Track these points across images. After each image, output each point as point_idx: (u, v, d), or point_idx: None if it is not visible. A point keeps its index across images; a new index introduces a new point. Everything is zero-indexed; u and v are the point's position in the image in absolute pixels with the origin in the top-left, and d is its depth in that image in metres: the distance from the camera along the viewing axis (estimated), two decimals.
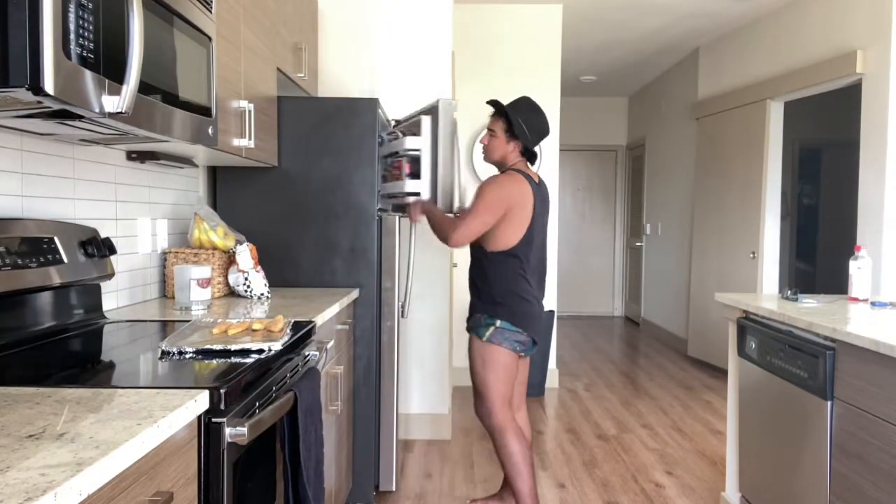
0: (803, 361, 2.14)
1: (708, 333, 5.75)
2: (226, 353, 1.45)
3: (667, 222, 6.92)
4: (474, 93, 4.98)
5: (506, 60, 4.96)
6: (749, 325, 2.55)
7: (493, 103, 2.59)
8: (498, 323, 2.53)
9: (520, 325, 2.54)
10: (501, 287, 2.53)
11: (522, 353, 2.60)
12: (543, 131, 2.60)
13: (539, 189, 2.60)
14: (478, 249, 2.61)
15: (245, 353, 1.46)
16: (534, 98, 4.97)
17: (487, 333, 2.54)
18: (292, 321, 1.90)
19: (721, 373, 5.54)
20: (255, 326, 1.65)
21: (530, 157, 2.65)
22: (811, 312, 2.25)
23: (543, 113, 2.59)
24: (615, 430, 4.03)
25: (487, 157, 2.66)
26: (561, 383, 5.17)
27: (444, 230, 2.52)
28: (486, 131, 2.65)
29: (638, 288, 7.90)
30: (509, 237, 2.52)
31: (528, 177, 2.56)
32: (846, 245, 6.58)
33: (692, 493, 3.11)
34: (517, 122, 2.55)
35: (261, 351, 1.47)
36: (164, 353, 1.44)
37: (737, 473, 2.74)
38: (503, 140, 2.60)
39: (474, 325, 2.60)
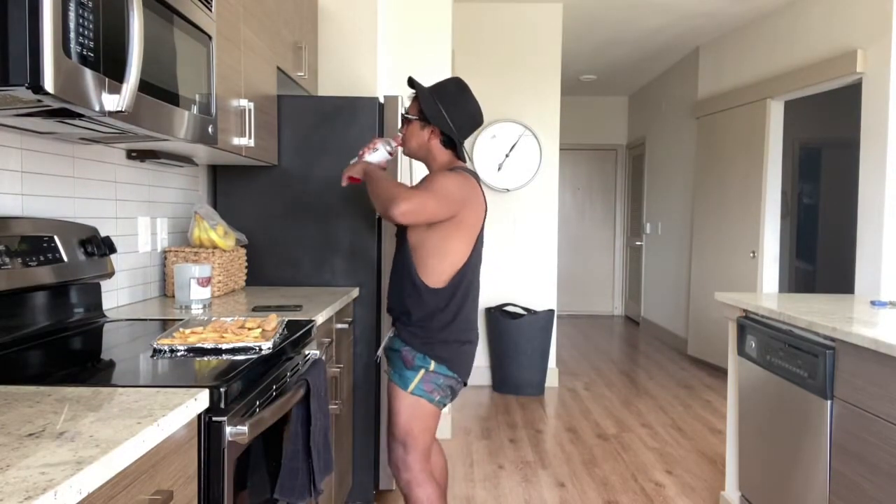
0: (803, 361, 2.14)
1: (708, 333, 5.75)
2: (217, 352, 1.45)
3: (667, 221, 6.92)
4: (474, 92, 4.98)
5: (506, 59, 4.96)
6: (749, 324, 2.55)
7: (409, 81, 2.12)
8: (431, 366, 2.07)
9: (457, 370, 2.11)
10: (443, 322, 2.06)
11: (449, 401, 2.17)
12: (472, 119, 2.11)
13: (482, 192, 2.17)
14: (408, 267, 2.09)
15: (236, 351, 1.46)
16: (533, 98, 4.97)
17: (415, 382, 2.08)
18: (285, 320, 1.90)
19: (721, 372, 5.54)
20: (249, 325, 1.65)
21: (460, 153, 2.17)
22: (811, 312, 2.25)
23: (474, 99, 2.13)
24: (615, 430, 4.03)
25: (405, 150, 2.20)
26: (561, 382, 5.17)
27: (390, 194, 1.94)
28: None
29: (638, 287, 7.90)
30: (456, 254, 2.05)
31: (475, 176, 2.14)
32: (846, 244, 6.58)
33: (692, 493, 3.11)
34: (432, 102, 2.06)
35: (252, 349, 1.47)
36: (157, 351, 1.44)
37: (736, 472, 2.74)
38: (416, 126, 2.12)
39: (398, 367, 2.11)
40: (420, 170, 3.85)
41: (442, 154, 2.14)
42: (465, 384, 2.19)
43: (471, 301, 2.12)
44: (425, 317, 2.06)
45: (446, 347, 2.08)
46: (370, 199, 2.03)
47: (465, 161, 2.16)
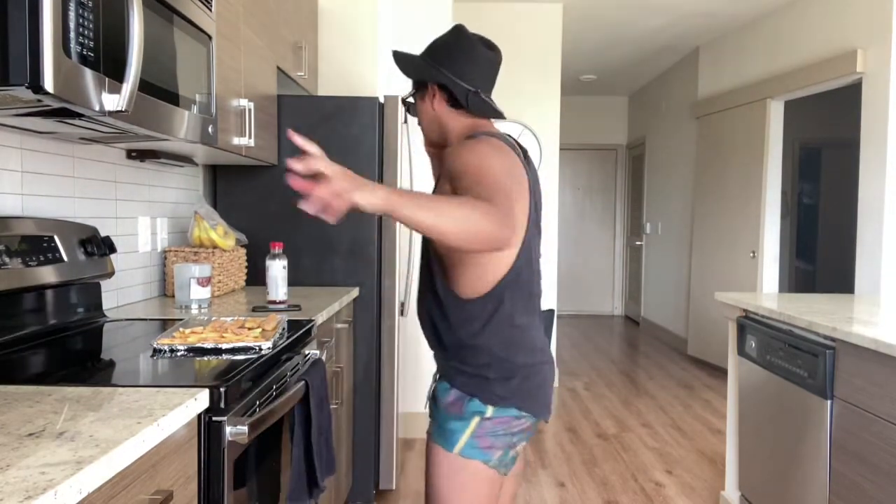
0: (803, 360, 2.14)
1: (708, 332, 5.75)
2: (217, 351, 1.45)
3: (667, 221, 6.92)
4: None
5: (506, 59, 4.96)
6: (749, 324, 2.55)
7: (393, 54, 1.58)
8: (489, 412, 1.44)
9: (528, 407, 1.46)
10: (495, 347, 1.44)
11: (514, 457, 1.50)
12: (484, 59, 1.51)
13: (528, 163, 1.54)
14: (437, 284, 1.49)
15: (236, 350, 1.46)
16: (533, 98, 4.97)
17: (464, 439, 1.44)
18: (286, 320, 1.90)
19: (721, 372, 5.54)
20: (249, 325, 1.65)
21: (474, 108, 1.51)
22: (811, 312, 2.25)
23: (479, 39, 1.52)
24: (615, 429, 4.03)
25: (427, 138, 1.62)
26: (561, 382, 5.17)
27: (469, 213, 1.14)
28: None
29: (638, 287, 7.90)
30: (504, 253, 1.42)
31: (509, 141, 1.50)
32: (846, 244, 6.58)
33: (692, 492, 3.11)
34: (417, 60, 1.55)
35: (252, 349, 1.47)
36: (157, 351, 1.44)
37: (736, 472, 2.74)
38: (419, 102, 1.58)
39: (441, 419, 1.49)
40: (419, 170, 3.84)
41: (456, 119, 1.53)
42: (547, 420, 1.55)
43: (532, 308, 1.50)
44: (463, 342, 1.45)
45: (505, 383, 1.44)
46: (419, 227, 1.13)
47: (491, 115, 1.53)
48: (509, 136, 1.52)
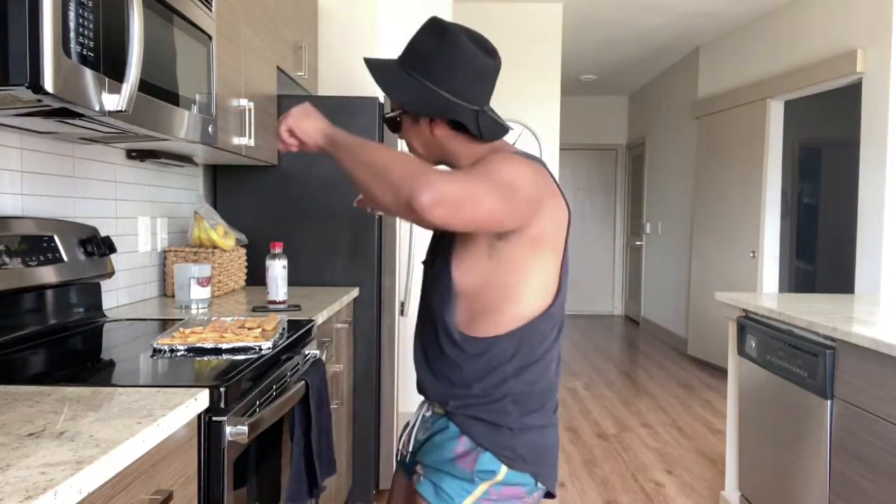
0: (803, 360, 2.14)
1: (708, 332, 5.75)
2: (217, 351, 1.45)
3: (667, 221, 6.92)
4: None
5: (506, 59, 4.95)
6: (749, 324, 2.55)
7: (366, 62, 1.31)
8: (502, 474, 1.20)
9: (545, 476, 1.24)
10: (515, 395, 1.22)
11: None
12: (478, 67, 1.24)
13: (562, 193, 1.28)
14: (438, 309, 1.26)
15: (236, 350, 1.46)
16: (533, 98, 4.96)
17: (470, 500, 1.19)
18: (286, 320, 1.90)
19: (721, 372, 5.54)
20: (249, 325, 1.65)
21: (484, 132, 1.26)
22: (811, 312, 2.25)
23: (466, 38, 1.23)
24: (615, 429, 4.03)
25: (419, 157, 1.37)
26: (561, 382, 5.16)
27: (406, 170, 1.06)
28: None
29: (638, 287, 7.90)
30: (539, 285, 1.21)
31: (542, 163, 1.25)
32: (846, 244, 6.58)
33: (692, 492, 3.11)
34: (404, 80, 1.25)
35: (251, 349, 1.47)
36: (157, 351, 1.44)
37: (736, 472, 2.74)
38: (408, 123, 1.32)
39: (439, 468, 1.22)
40: None
41: (464, 145, 1.29)
42: (553, 495, 1.29)
43: (555, 358, 1.28)
44: (486, 388, 1.22)
45: (523, 441, 1.21)
46: (355, 180, 1.12)
47: (500, 133, 1.29)
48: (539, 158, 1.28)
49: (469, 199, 1.04)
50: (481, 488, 1.19)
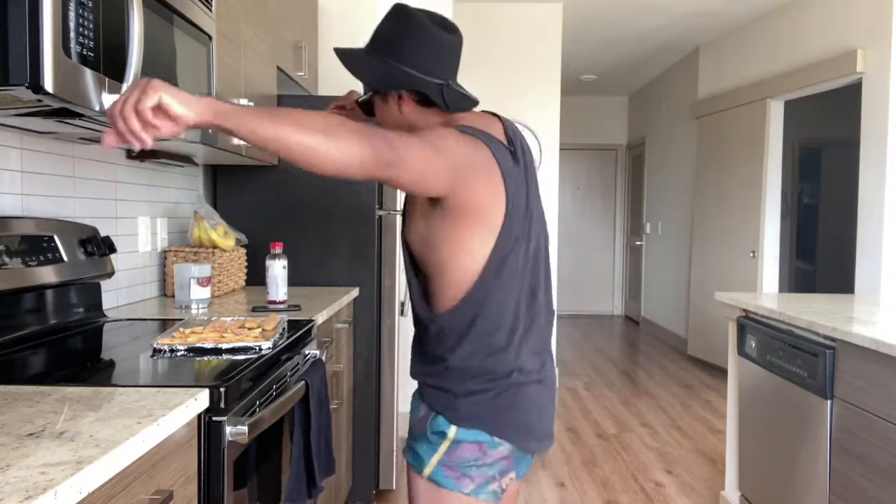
0: (803, 360, 2.14)
1: (708, 332, 5.75)
2: (217, 351, 1.45)
3: (667, 221, 6.92)
4: (474, 92, 4.98)
5: (506, 59, 4.96)
6: (749, 324, 2.55)
7: (336, 52, 1.37)
8: (451, 433, 1.30)
9: (501, 432, 1.30)
10: (471, 356, 1.31)
11: (499, 493, 1.33)
12: (441, 44, 1.31)
13: (515, 143, 1.34)
14: (415, 297, 1.40)
15: (236, 350, 1.46)
16: (533, 98, 4.96)
17: (433, 460, 1.31)
18: (286, 319, 1.90)
19: (721, 372, 5.54)
20: (249, 325, 1.65)
21: (450, 104, 1.34)
22: (811, 312, 2.25)
23: (430, 19, 1.31)
24: (615, 429, 4.03)
25: None
26: (561, 382, 5.17)
27: (350, 131, 1.07)
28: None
29: (638, 287, 7.90)
30: (476, 253, 1.27)
31: (483, 134, 1.28)
32: (846, 244, 6.58)
33: (692, 492, 3.11)
34: (370, 59, 1.33)
35: (251, 349, 1.47)
36: (156, 351, 1.44)
37: (736, 472, 2.74)
38: (378, 103, 1.39)
39: (415, 438, 1.38)
40: None
41: (427, 119, 1.35)
42: (534, 452, 1.38)
43: (525, 312, 1.33)
44: (435, 357, 1.34)
45: (475, 398, 1.30)
46: (273, 150, 1.06)
47: (466, 105, 1.36)
48: (487, 131, 1.31)
49: (396, 141, 1.11)
50: (443, 447, 1.30)
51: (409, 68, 1.29)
